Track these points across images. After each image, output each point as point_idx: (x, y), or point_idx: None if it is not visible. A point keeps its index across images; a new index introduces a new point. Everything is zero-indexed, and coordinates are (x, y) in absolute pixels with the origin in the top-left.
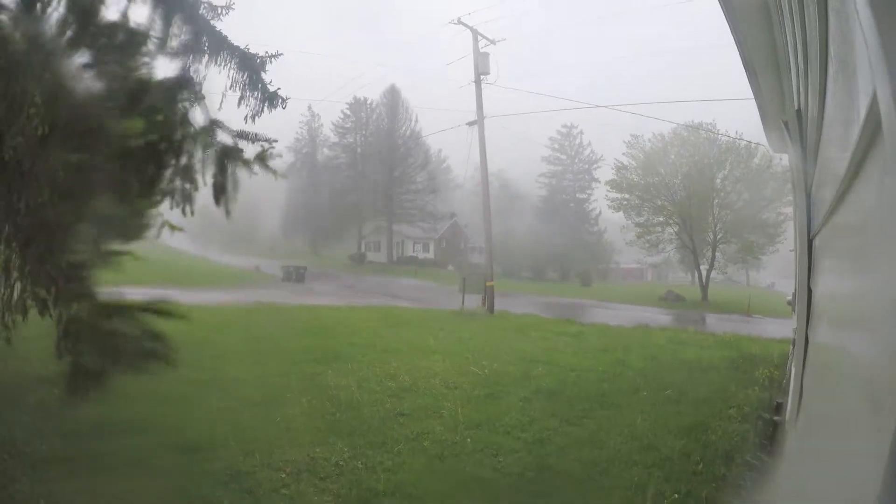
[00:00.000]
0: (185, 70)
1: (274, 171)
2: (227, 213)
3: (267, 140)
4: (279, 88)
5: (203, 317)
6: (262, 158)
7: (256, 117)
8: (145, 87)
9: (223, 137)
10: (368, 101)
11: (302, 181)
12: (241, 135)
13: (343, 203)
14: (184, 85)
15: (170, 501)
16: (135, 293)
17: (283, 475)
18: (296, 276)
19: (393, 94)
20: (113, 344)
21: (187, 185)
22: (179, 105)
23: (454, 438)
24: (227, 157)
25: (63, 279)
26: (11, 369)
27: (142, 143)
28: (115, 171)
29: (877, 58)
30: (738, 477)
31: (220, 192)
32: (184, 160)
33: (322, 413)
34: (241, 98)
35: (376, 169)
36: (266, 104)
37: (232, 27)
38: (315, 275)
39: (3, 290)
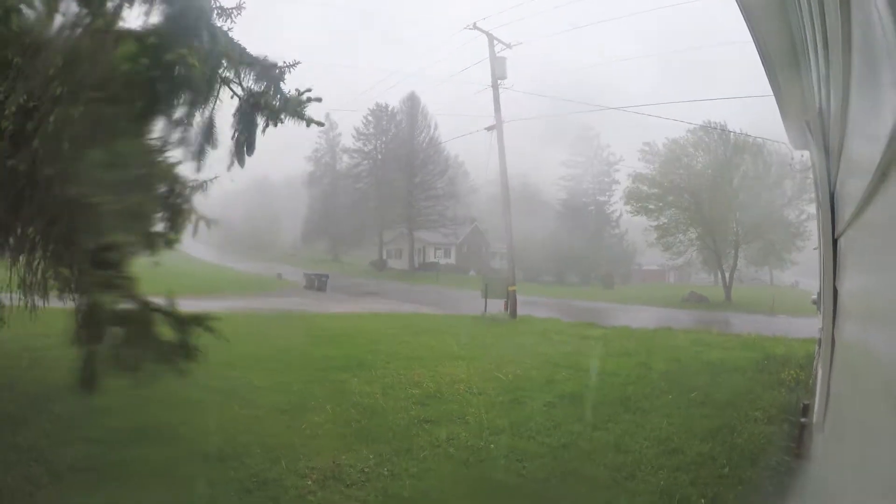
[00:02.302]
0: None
1: (309, 119)
2: (241, 164)
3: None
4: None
5: (226, 325)
6: (296, 106)
7: (300, 96)
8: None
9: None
10: (390, 108)
11: (322, 189)
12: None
13: (364, 210)
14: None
15: None
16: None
17: (310, 482)
18: (318, 283)
19: (412, 101)
20: (133, 340)
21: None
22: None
23: (479, 444)
24: (255, 103)
25: (89, 261)
26: (36, 377)
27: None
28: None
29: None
30: (766, 480)
31: (242, 143)
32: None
33: (347, 420)
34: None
35: (396, 175)
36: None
37: (250, 38)
38: (337, 282)
39: (24, 272)
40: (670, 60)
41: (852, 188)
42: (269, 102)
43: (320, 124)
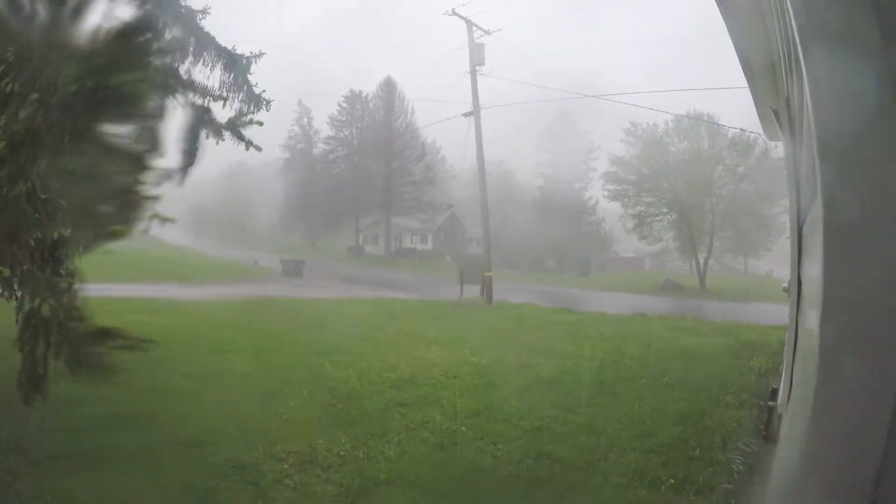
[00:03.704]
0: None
1: (248, 141)
2: (185, 175)
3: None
4: (264, 91)
5: (203, 312)
6: (233, 124)
7: (243, 118)
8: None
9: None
10: (364, 94)
11: (298, 176)
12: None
13: (340, 196)
14: (142, 30)
15: (174, 495)
16: (133, 290)
17: (286, 466)
18: (294, 269)
19: (389, 87)
20: (70, 346)
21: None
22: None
23: (454, 427)
24: (199, 120)
25: (33, 260)
26: (14, 366)
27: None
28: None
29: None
30: (735, 462)
31: (187, 158)
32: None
33: (323, 405)
34: (226, 100)
35: (373, 161)
36: (252, 105)
37: (226, 26)
38: (314, 268)
39: None
40: (655, 50)
41: (809, 178)
42: (213, 119)
43: (258, 148)
